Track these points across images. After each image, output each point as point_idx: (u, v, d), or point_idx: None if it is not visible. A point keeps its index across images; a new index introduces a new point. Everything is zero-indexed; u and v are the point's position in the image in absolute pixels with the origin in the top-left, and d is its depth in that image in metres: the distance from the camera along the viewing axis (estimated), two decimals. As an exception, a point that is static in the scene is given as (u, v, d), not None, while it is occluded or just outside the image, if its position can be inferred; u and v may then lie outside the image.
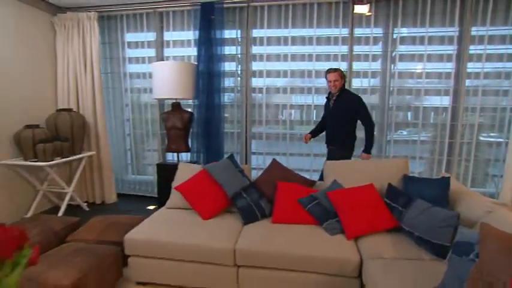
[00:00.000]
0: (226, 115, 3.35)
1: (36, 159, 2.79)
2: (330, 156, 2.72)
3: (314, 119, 3.27)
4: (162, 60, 3.41)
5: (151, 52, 3.45)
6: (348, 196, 2.05)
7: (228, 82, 3.26)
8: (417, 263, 1.54)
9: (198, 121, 3.23)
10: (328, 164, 2.41)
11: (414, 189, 2.01)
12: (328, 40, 3.13)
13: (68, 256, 1.66)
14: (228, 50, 3.20)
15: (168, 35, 3.41)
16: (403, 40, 3.08)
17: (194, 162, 3.09)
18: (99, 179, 3.47)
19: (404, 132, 3.30)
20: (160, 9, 3.31)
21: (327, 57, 3.15)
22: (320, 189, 2.22)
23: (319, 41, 3.13)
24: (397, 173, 2.21)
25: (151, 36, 3.41)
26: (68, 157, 2.97)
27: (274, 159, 2.55)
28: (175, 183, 2.39)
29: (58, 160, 2.86)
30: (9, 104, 2.84)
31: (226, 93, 3.26)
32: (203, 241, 1.81)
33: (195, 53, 3.24)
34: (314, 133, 2.89)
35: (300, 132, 3.33)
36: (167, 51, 3.46)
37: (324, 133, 2.88)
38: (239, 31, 3.21)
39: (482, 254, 1.03)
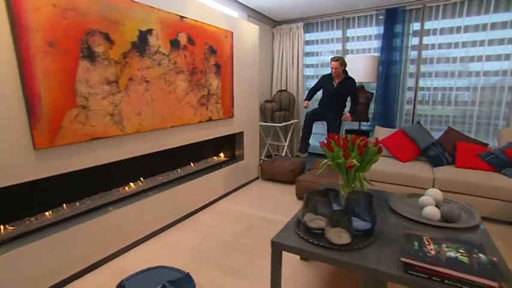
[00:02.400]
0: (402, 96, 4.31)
1: (272, 122, 4.49)
2: (325, 118, 4.03)
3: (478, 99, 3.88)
4: (346, 52, 4.62)
5: (338, 46, 4.70)
6: (523, 152, 2.82)
7: (402, 68, 4.21)
8: None
9: (376, 99, 4.34)
10: (502, 131, 3.16)
11: None
12: (503, 25, 3.61)
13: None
14: (405, 42, 4.11)
15: (351, 32, 4.56)
16: None
17: (369, 131, 4.31)
18: (296, 139, 5.07)
19: None
20: (347, 16, 4.47)
21: (500, 42, 3.67)
22: (492, 149, 3.04)
23: (494, 26, 3.65)
24: None
25: (338, 33, 4.65)
26: (288, 121, 4.60)
27: (449, 127, 3.45)
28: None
29: (284, 123, 4.51)
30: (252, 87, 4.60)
31: (409, 78, 4.23)
32: (411, 172, 2.96)
33: (373, 46, 4.32)
34: (309, 99, 4.09)
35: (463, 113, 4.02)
36: (349, 45, 4.64)
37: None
38: (415, 24, 4.05)
39: None
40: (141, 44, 2.11)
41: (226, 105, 3.10)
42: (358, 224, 1.58)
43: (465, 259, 1.26)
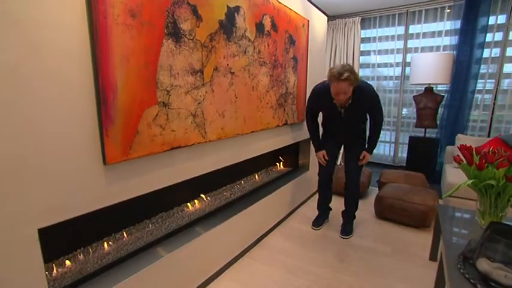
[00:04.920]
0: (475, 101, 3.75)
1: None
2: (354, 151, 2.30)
3: None
4: (408, 51, 4.09)
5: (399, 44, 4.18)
6: None
7: (482, 69, 3.66)
8: None
9: (447, 103, 3.79)
10: None
11: None
12: None
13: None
14: (489, 37, 3.56)
15: (415, 28, 4.03)
16: None
17: (437, 139, 3.76)
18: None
19: None
20: (411, 9, 3.96)
21: None
22: None
23: None
24: None
25: (400, 30, 4.13)
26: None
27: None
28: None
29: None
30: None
31: (480, 80, 3.68)
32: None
33: (443, 43, 3.78)
34: (320, 146, 2.40)
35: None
36: (411, 43, 4.11)
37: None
38: (501, 16, 3.50)
39: None
40: (229, 24, 1.61)
41: (300, 107, 2.59)
42: None
43: None
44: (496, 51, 3.59)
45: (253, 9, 1.79)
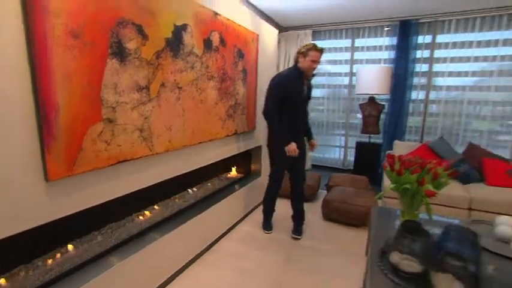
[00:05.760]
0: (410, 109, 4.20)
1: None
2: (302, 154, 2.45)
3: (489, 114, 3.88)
4: (354, 62, 4.46)
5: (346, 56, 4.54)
6: (554, 170, 2.77)
7: (414, 81, 4.12)
8: None
9: (388, 111, 4.20)
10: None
11: None
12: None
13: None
14: (419, 54, 4.03)
15: (361, 42, 4.42)
16: None
17: (380, 144, 4.16)
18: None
19: None
20: (357, 26, 4.33)
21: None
22: (517, 166, 2.97)
23: (506, 43, 3.68)
24: None
25: (347, 43, 4.49)
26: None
27: (470, 142, 3.37)
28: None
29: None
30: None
31: (414, 91, 4.14)
32: (446, 191, 2.78)
33: (384, 56, 4.21)
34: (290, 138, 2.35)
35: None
36: (357, 55, 4.49)
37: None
38: (428, 36, 3.99)
39: None
40: (176, 41, 1.69)
41: (250, 117, 2.73)
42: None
43: None
44: (425, 66, 4.08)
45: (200, 26, 1.89)
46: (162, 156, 1.73)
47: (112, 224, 1.81)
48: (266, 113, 2.35)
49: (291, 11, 3.84)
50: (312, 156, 4.93)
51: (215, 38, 2.05)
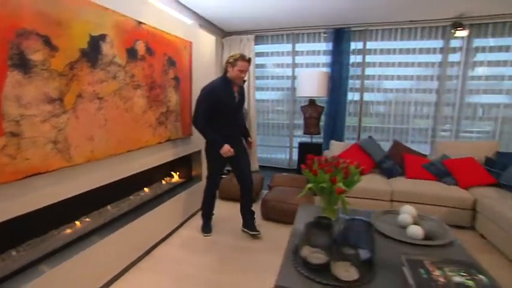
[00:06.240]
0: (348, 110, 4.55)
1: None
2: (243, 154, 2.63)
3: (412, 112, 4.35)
4: (295, 66, 4.70)
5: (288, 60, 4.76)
6: (458, 163, 3.20)
7: (349, 84, 4.46)
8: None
9: (327, 112, 4.50)
10: (438, 144, 3.56)
11: (507, 160, 3.08)
12: (428, 50, 4.15)
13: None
14: (353, 58, 4.38)
15: (301, 47, 4.67)
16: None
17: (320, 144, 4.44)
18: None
19: None
20: (296, 32, 4.57)
21: (426, 64, 4.19)
22: (431, 160, 3.39)
23: (421, 51, 4.16)
24: (491, 150, 3.30)
25: (288, 47, 4.72)
26: (242, 136, 4.42)
27: (395, 140, 3.75)
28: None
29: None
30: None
31: (350, 92, 4.48)
32: (371, 185, 3.08)
33: (322, 61, 4.51)
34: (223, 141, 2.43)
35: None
36: (298, 59, 4.74)
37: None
38: (359, 43, 4.36)
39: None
40: (93, 52, 1.69)
41: (185, 123, 2.77)
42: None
43: (471, 283, 1.25)
44: (359, 70, 4.44)
45: (122, 35, 1.89)
46: (82, 166, 1.71)
47: (33, 240, 1.75)
48: (194, 120, 2.49)
49: (233, 18, 3.95)
50: (259, 157, 5.09)
51: (140, 47, 2.06)
